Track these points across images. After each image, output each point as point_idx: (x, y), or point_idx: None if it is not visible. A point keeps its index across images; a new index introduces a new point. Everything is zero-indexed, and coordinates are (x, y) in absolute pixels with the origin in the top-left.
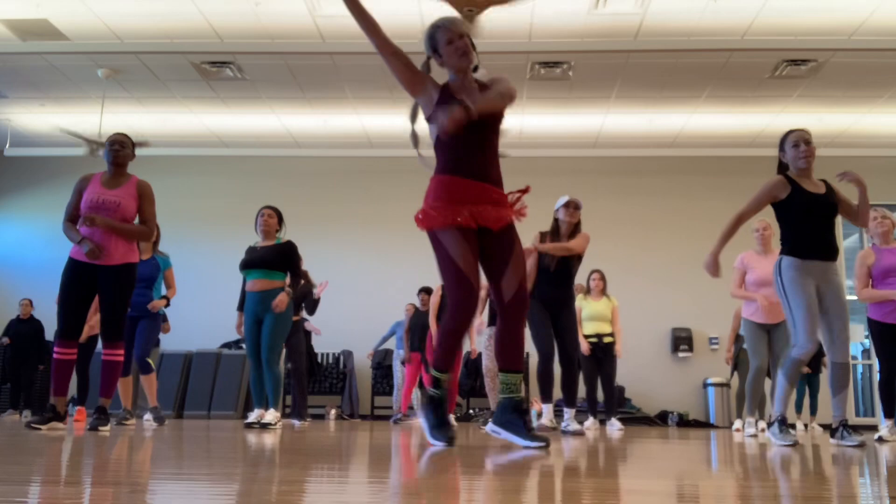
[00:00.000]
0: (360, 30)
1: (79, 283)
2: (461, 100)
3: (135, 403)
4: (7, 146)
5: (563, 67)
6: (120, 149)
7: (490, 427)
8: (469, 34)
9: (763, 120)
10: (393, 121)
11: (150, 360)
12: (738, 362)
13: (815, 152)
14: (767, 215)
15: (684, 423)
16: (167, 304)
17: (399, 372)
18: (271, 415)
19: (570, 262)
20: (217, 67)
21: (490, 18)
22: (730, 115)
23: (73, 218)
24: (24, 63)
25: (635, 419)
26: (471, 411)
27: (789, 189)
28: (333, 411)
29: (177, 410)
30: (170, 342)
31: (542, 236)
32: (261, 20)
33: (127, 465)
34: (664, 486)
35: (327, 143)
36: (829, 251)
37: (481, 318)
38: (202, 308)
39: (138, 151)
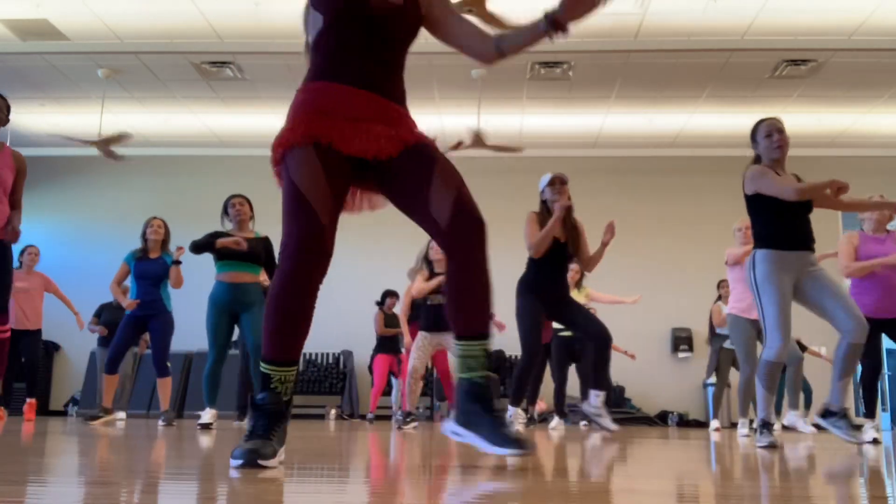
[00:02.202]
0: None
1: None
2: None
3: (117, 401)
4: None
5: (563, 67)
6: None
7: (450, 428)
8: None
9: None
10: None
11: (168, 364)
12: (720, 362)
13: (788, 142)
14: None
15: (684, 423)
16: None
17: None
18: None
19: (567, 250)
20: (217, 67)
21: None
22: (730, 115)
23: None
24: (24, 63)
25: (635, 419)
26: None
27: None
28: (333, 411)
29: (177, 410)
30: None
31: (538, 218)
32: (261, 20)
33: (126, 465)
34: (664, 486)
35: None
36: (806, 241)
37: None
38: (202, 308)
39: (140, 151)
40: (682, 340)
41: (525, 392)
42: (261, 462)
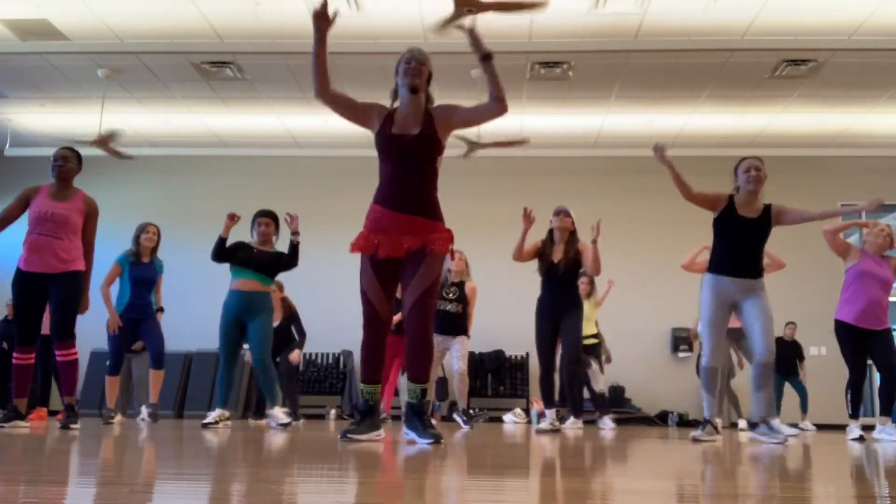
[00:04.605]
0: (360, 30)
1: (28, 292)
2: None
3: (129, 401)
4: (7, 146)
5: (563, 67)
6: (63, 163)
7: (403, 430)
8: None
9: (763, 120)
10: None
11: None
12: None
13: (763, 179)
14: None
15: (684, 423)
16: (162, 310)
17: None
18: (279, 412)
19: (577, 268)
20: (217, 67)
21: (490, 19)
22: (730, 115)
23: (5, 219)
24: (24, 63)
25: (635, 419)
26: (471, 411)
27: (723, 206)
28: (333, 411)
29: (177, 410)
30: (170, 342)
31: (543, 244)
32: (261, 20)
33: (127, 465)
34: (664, 486)
35: (327, 143)
36: (750, 270)
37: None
38: (202, 308)
39: (140, 151)
40: (682, 340)
41: (552, 395)
42: (354, 437)
